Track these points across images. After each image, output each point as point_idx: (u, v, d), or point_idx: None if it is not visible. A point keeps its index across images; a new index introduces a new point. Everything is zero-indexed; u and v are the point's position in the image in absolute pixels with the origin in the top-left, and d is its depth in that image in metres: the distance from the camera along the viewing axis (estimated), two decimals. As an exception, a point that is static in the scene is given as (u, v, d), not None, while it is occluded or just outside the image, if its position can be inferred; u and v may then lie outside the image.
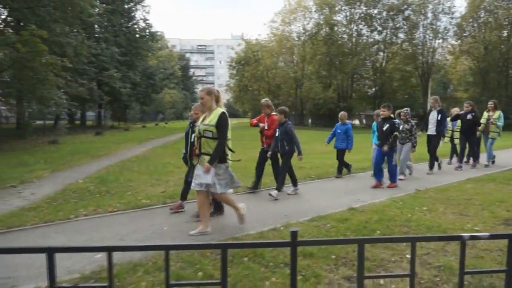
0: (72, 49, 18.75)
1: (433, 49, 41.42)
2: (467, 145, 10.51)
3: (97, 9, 22.23)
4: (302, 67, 45.32)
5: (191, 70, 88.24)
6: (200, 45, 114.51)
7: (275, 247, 3.37)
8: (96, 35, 30.23)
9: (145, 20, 37.28)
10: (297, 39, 45.92)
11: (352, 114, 41.41)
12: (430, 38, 41.30)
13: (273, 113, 7.33)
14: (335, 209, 5.84)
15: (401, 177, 8.50)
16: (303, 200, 6.73)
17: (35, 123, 23.45)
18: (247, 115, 61.86)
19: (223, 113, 4.64)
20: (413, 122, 8.91)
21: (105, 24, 31.36)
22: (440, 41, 41.79)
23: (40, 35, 13.77)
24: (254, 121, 7.72)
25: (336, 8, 42.47)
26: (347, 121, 9.28)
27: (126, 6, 35.48)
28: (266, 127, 7.32)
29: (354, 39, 43.14)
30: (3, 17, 18.99)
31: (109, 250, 2.27)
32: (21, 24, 17.95)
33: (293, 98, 45.86)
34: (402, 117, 8.87)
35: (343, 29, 43.54)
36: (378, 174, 7.78)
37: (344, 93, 43.05)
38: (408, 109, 9.10)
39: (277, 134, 7.01)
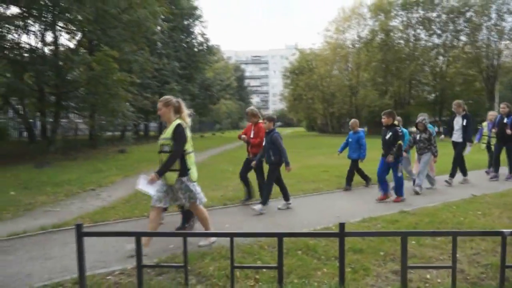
0: (138, 65, 20.33)
1: (498, 51, 39.05)
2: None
3: (159, 27, 23.82)
4: (357, 75, 44.80)
5: (246, 81, 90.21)
6: (255, 56, 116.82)
7: (325, 237, 3.73)
8: (158, 51, 32.25)
9: (203, 34, 39.19)
10: (351, 46, 45.55)
11: (410, 121, 40.05)
12: (495, 39, 39.02)
13: (260, 121, 7.05)
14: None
15: (417, 189, 7.85)
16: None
17: (105, 134, 25.53)
18: (301, 123, 62.01)
19: (178, 125, 4.37)
20: (431, 130, 8.17)
21: (167, 40, 33.37)
22: (507, 42, 39.32)
23: (112, 55, 15.22)
24: (241, 134, 7.33)
25: (392, 14, 41.60)
26: (359, 129, 8.81)
27: (185, 23, 37.51)
28: (251, 136, 7.06)
29: (411, 44, 41.90)
30: (78, 38, 21.08)
31: (184, 236, 2.77)
32: (94, 44, 19.82)
33: (348, 106, 45.38)
34: (419, 126, 8.14)
35: (400, 34, 42.48)
36: (382, 186, 7.22)
37: (401, 100, 41.85)
38: (425, 117, 8.25)
39: (264, 143, 6.75)
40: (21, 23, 17.39)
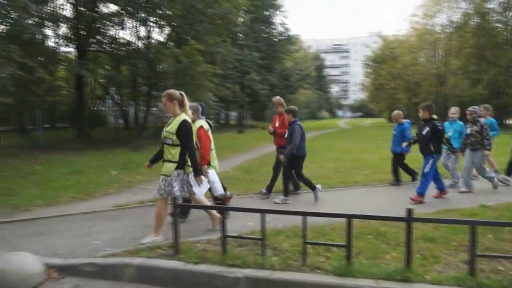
0: (221, 57, 21.36)
1: None
2: None
3: (241, 19, 24.63)
4: (446, 62, 41.70)
5: (326, 70, 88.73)
6: (335, 45, 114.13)
7: (392, 221, 3.87)
8: (240, 42, 33.32)
9: (283, 24, 39.53)
10: (441, 32, 42.44)
11: (507, 112, 36.51)
12: None
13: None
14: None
15: (464, 189, 7.27)
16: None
17: (189, 122, 27.24)
18: (382, 114, 59.63)
19: (184, 121, 4.39)
20: (482, 121, 7.40)
21: (248, 31, 34.29)
22: None
23: (197, 48, 16.28)
24: (271, 128, 7.24)
25: (489, -5, 37.86)
26: (403, 121, 8.30)
27: (266, 13, 38.11)
28: (277, 125, 7.04)
29: (510, 28, 37.84)
30: (167, 32, 22.71)
31: (262, 212, 3.15)
32: (181, 37, 21.20)
33: (434, 96, 42.58)
34: (468, 116, 7.42)
35: (497, 17, 38.52)
36: (436, 183, 6.77)
37: (497, 89, 38.14)
38: (476, 107, 7.58)
39: (286, 135, 6.69)
40: (118, 20, 19.25)
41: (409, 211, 3.29)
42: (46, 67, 18.36)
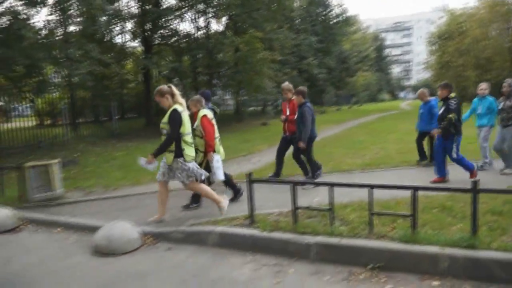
0: (279, 43, 21.57)
1: None
2: None
3: (297, 3, 24.59)
4: (522, 35, 38.35)
5: (386, 50, 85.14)
6: (396, 23, 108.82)
7: (457, 192, 3.99)
8: (296, 27, 33.19)
9: (340, 6, 38.64)
10: (515, 1, 38.97)
11: None
12: None
13: (294, 97, 6.73)
14: None
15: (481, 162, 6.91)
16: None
17: (248, 109, 27.91)
18: (449, 94, 56.20)
19: (173, 110, 4.66)
20: None
21: (304, 15, 34.02)
22: None
23: (256, 36, 16.66)
24: (283, 116, 7.06)
25: None
26: (430, 98, 7.84)
27: (322, -5, 37.53)
28: (287, 113, 6.85)
29: None
30: (225, 22, 23.35)
31: (331, 185, 3.46)
32: (238, 26, 21.71)
33: (507, 72, 39.43)
34: (503, 89, 6.75)
35: None
36: (438, 167, 6.42)
37: None
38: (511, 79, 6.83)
39: (296, 117, 6.47)
40: (179, 13, 20.15)
41: (475, 183, 3.42)
42: (117, 62, 19.80)
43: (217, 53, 19.45)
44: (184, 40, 21.77)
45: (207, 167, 5.31)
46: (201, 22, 22.95)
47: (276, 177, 6.95)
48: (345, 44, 45.51)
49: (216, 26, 23.90)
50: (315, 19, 36.45)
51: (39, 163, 6.37)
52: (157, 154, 4.72)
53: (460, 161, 6.27)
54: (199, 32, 22.73)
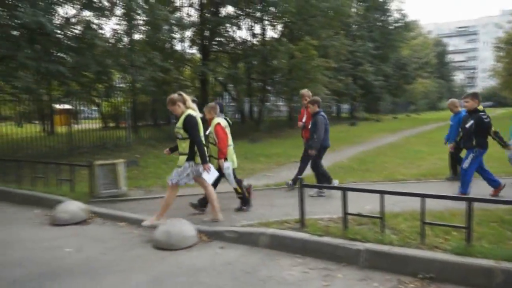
0: (334, 50, 21.44)
1: None
2: None
3: (355, 10, 24.24)
4: None
5: (449, 56, 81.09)
6: (460, 27, 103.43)
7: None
8: (352, 33, 32.71)
9: (399, 10, 37.51)
10: None
11: None
12: None
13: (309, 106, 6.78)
14: None
15: None
16: None
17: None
18: (518, 103, 52.51)
19: (187, 115, 4.88)
20: None
21: (361, 21, 33.45)
22: None
23: (311, 44, 16.72)
24: (300, 123, 7.29)
25: None
26: (460, 109, 7.26)
27: (380, 0, 36.62)
28: (304, 120, 7.02)
29: None
30: (280, 29, 23.64)
31: (381, 192, 3.50)
32: (294, 33, 21.86)
33: None
34: None
35: None
36: (488, 180, 6.08)
37: None
38: None
39: (309, 126, 6.60)
40: (236, 21, 20.74)
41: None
42: (177, 69, 20.75)
43: (272, 59, 19.72)
44: (240, 47, 22.34)
45: (220, 173, 5.57)
46: (257, 29, 23.48)
47: (295, 182, 6.84)
48: (404, 50, 44.02)
49: (272, 33, 24.26)
50: (372, 25, 35.69)
51: (107, 162, 6.92)
52: (204, 159, 4.95)
53: (467, 175, 5.93)
54: (254, 39, 23.24)
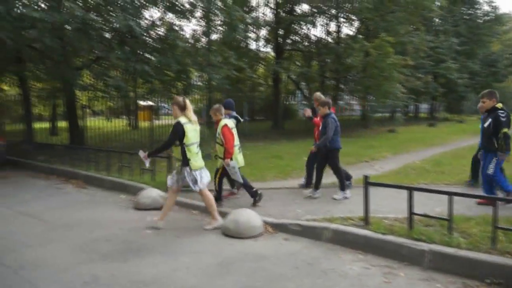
0: (413, 46, 20.47)
1: None
2: None
3: (438, 3, 22.83)
4: None
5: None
6: None
7: None
8: (435, 28, 30.84)
9: (490, 3, 34.49)
10: None
11: None
12: None
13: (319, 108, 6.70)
14: None
15: None
16: None
17: (375, 115, 27.02)
18: None
19: (176, 123, 5.03)
20: None
21: (445, 15, 31.36)
22: None
23: (387, 40, 16.17)
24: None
25: None
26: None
27: (469, -8, 34.06)
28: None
29: None
30: (356, 26, 23.12)
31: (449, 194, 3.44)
32: (370, 30, 21.25)
33: None
34: None
35: None
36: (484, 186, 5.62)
37: None
38: None
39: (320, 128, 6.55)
40: (310, 19, 20.72)
41: None
42: (251, 67, 21.35)
43: (346, 57, 19.43)
44: (314, 45, 22.29)
45: (227, 172, 5.96)
46: (332, 26, 23.24)
47: (304, 187, 7.14)
48: (495, 46, 40.38)
49: (347, 30, 23.89)
50: (458, 19, 33.28)
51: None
52: (150, 154, 5.37)
53: (493, 181, 5.53)
54: (329, 37, 23.03)
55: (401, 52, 19.70)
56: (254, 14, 19.82)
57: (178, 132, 4.99)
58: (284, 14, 20.15)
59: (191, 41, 14.19)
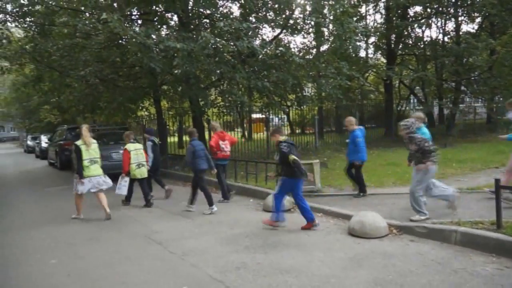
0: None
1: None
2: None
3: None
4: None
5: None
6: None
7: None
8: None
9: None
10: None
11: None
12: None
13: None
14: None
15: None
16: None
17: (504, 117, 24.29)
18: None
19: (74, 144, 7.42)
20: None
21: None
22: None
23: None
24: None
25: None
26: None
27: None
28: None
29: None
30: (478, 22, 21.30)
31: None
32: (496, 26, 19.40)
33: None
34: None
35: None
36: None
37: None
38: None
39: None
40: (424, 21, 19.82)
41: None
42: (361, 75, 21.25)
43: (467, 57, 18.10)
44: (429, 48, 21.17)
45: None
46: (449, 26, 21.84)
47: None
48: None
49: (467, 28, 22.13)
50: None
51: (306, 162, 8.05)
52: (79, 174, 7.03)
53: None
54: (446, 37, 21.68)
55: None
56: (363, 22, 19.73)
57: (76, 152, 7.07)
58: (395, 19, 19.65)
59: (304, 54, 14.85)
